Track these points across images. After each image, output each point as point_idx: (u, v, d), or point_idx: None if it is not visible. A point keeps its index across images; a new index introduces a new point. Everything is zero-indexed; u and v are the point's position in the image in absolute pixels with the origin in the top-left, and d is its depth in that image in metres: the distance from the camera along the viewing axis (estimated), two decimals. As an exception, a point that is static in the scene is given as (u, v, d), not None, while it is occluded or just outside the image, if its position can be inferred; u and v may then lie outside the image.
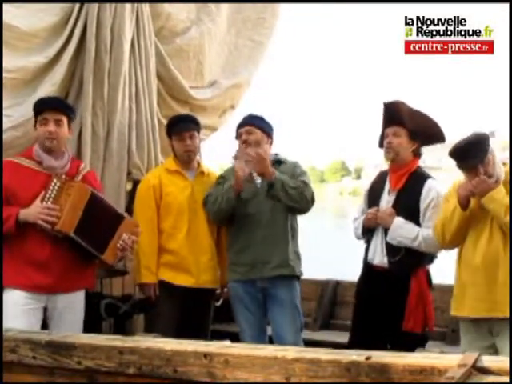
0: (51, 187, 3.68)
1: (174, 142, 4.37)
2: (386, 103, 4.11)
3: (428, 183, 4.02)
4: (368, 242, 4.14)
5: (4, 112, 4.03)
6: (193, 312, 4.31)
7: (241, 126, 4.31)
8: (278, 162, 4.30)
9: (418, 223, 3.97)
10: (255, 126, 4.26)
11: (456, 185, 3.77)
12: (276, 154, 4.38)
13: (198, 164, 4.47)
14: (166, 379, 2.37)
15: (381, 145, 4.18)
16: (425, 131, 4.07)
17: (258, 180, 4.14)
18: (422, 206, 3.98)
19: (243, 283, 4.23)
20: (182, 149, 4.33)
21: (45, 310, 3.77)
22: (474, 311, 3.67)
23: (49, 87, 4.24)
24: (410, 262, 3.95)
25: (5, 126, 4.02)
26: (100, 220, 3.80)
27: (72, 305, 3.80)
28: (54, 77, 4.29)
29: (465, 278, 3.70)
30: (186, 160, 4.36)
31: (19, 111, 4.09)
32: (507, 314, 3.50)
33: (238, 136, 4.29)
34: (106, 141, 4.57)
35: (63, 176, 3.74)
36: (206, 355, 2.30)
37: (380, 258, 4.02)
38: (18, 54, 4.11)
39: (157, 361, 2.39)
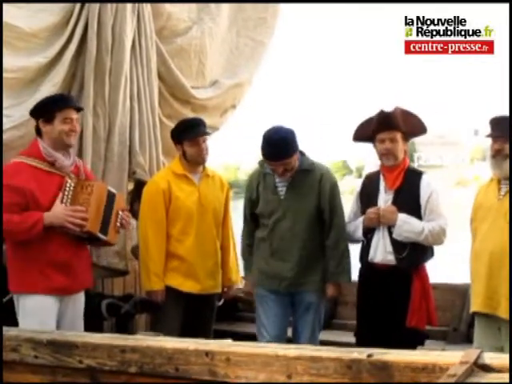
0: (67, 188, 3.66)
1: (186, 146, 4.26)
2: (382, 112, 4.11)
3: (424, 178, 4.11)
4: (367, 242, 4.14)
5: (5, 112, 4.03)
6: (196, 316, 4.30)
7: (272, 161, 4.02)
8: (302, 172, 4.08)
9: (419, 218, 4.00)
10: (286, 159, 4.00)
11: (482, 186, 3.92)
12: (302, 160, 4.11)
13: (204, 167, 4.41)
14: (168, 378, 2.37)
15: (357, 139, 4.25)
16: (413, 128, 4.16)
17: (282, 192, 4.09)
18: (423, 200, 4.03)
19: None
20: (196, 153, 4.26)
21: None
22: (474, 305, 3.70)
23: (50, 87, 4.23)
24: (416, 257, 3.99)
25: (6, 126, 4.02)
26: (111, 210, 3.81)
27: (72, 305, 3.79)
28: (55, 77, 4.29)
29: (473, 272, 3.74)
30: (200, 163, 4.32)
31: (20, 111, 4.08)
32: (497, 313, 3.49)
33: (273, 169, 4.07)
34: (107, 141, 4.57)
35: (72, 176, 3.72)
36: (207, 353, 2.30)
37: (383, 256, 4.02)
38: (18, 54, 4.11)
39: (158, 359, 2.39)
